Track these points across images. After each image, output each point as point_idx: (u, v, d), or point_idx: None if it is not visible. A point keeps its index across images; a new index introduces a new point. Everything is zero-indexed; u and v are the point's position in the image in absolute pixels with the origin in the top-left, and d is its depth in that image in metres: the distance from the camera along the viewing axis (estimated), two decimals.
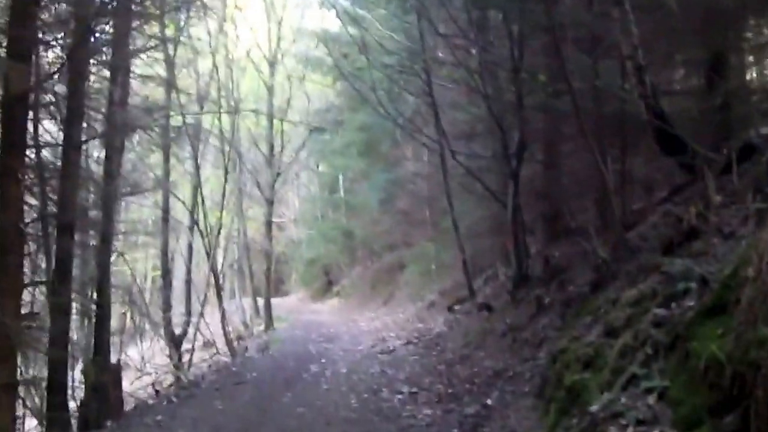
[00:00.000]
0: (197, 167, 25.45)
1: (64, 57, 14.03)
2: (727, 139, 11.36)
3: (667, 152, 11.76)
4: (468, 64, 18.19)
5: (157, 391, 17.75)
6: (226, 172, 26.59)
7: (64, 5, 14.05)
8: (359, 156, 37.02)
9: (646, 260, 9.21)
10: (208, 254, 24.57)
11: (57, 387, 13.26)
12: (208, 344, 25.37)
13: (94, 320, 16.93)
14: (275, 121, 33.32)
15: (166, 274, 26.12)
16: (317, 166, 49.70)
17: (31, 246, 13.05)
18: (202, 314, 25.13)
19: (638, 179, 14.92)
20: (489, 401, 10.37)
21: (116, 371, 15.39)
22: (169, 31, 22.78)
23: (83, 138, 14.94)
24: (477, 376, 12.28)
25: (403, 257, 34.50)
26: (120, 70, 17.46)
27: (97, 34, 15.94)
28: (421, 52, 20.45)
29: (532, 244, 18.33)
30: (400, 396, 12.27)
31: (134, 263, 38.79)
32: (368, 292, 38.16)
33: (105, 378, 14.67)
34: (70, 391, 14.25)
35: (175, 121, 25.12)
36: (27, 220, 12.36)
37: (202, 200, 24.76)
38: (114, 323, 27.96)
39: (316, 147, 41.79)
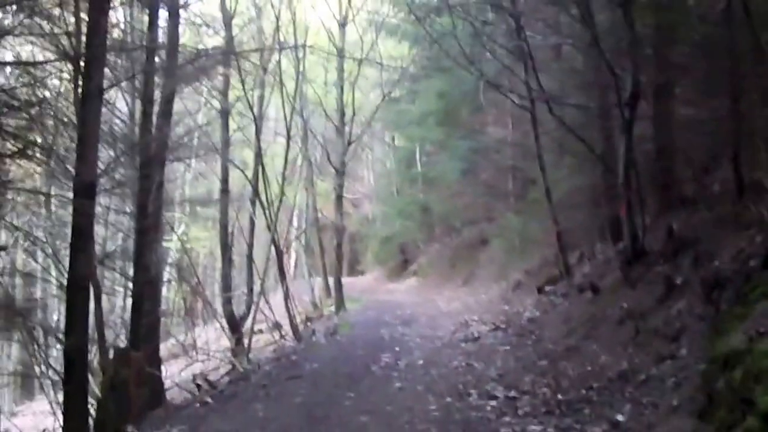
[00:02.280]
0: (258, 132, 23.07)
1: None
2: None
3: None
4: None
5: (198, 386, 15.34)
6: (289, 138, 24.11)
7: None
8: (437, 126, 34.49)
9: None
10: (269, 228, 22.19)
11: (76, 382, 10.82)
12: (276, 326, 23.02)
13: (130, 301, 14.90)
14: (346, 88, 30.80)
15: (226, 249, 24.06)
16: (392, 140, 48.22)
17: None
18: (262, 293, 22.74)
19: None
20: (620, 417, 7.69)
21: (139, 364, 12.74)
22: None
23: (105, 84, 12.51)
24: (594, 378, 9.56)
25: (484, 233, 32.46)
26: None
27: None
28: None
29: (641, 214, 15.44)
30: (493, 402, 9.61)
31: (195, 240, 38.01)
32: (447, 270, 35.75)
33: (125, 372, 12.16)
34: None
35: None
36: None
37: (263, 169, 22.35)
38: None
39: (390, 117, 40.21)
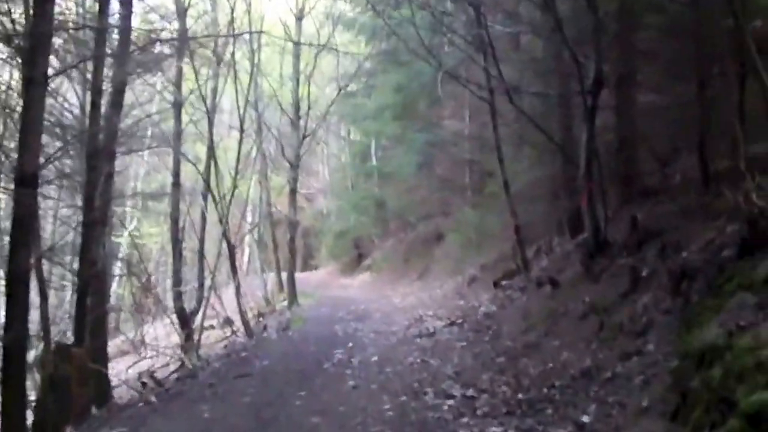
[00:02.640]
0: (211, 124, 22.52)
1: None
2: None
3: None
4: None
5: (143, 384, 14.69)
6: (242, 131, 23.50)
7: None
8: (394, 120, 33.98)
9: None
10: (221, 223, 21.60)
11: (13, 379, 10.16)
12: (227, 322, 22.70)
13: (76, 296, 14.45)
14: (302, 81, 30.61)
15: (176, 244, 23.38)
16: (348, 134, 48.13)
17: None
18: (213, 288, 22.19)
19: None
20: (585, 418, 7.23)
21: (81, 360, 12.03)
22: None
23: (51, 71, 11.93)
24: (556, 376, 9.06)
25: (440, 227, 32.28)
26: None
27: None
28: None
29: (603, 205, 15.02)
30: (451, 402, 9.11)
31: (148, 235, 37.37)
32: (401, 265, 35.36)
33: (66, 369, 11.45)
34: None
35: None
36: None
37: (215, 163, 21.81)
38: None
39: (346, 111, 39.73)
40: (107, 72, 15.39)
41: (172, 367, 17.92)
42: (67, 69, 14.44)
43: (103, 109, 15.19)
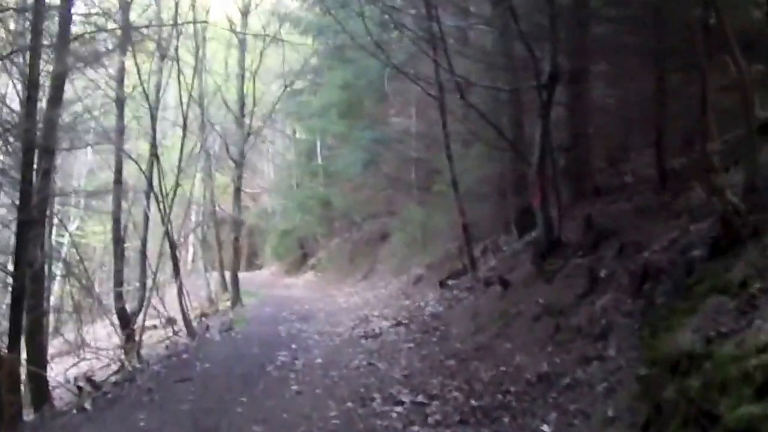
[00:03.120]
0: (153, 119, 21.84)
1: None
2: None
3: None
4: None
5: (79, 388, 14.02)
6: (185, 127, 22.85)
7: None
8: (340, 118, 33.85)
9: None
10: (163, 221, 20.96)
11: None
12: (169, 322, 22.09)
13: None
14: (246, 79, 30.09)
15: (118, 243, 22.57)
16: (294, 133, 47.20)
17: None
18: (154, 288, 21.62)
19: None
20: (545, 427, 6.79)
21: (11, 366, 11.27)
22: None
23: None
24: (510, 381, 8.62)
25: (385, 227, 32.02)
26: None
27: None
28: None
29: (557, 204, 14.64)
30: (399, 408, 8.62)
31: (92, 234, 36.51)
32: (346, 265, 35.11)
33: None
34: None
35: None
36: None
37: (158, 160, 21.18)
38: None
39: (291, 109, 39.31)
40: (45, 66, 14.67)
41: (113, 368, 17.38)
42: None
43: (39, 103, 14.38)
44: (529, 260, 13.69)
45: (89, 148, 25.15)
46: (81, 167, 35.68)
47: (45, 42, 14.44)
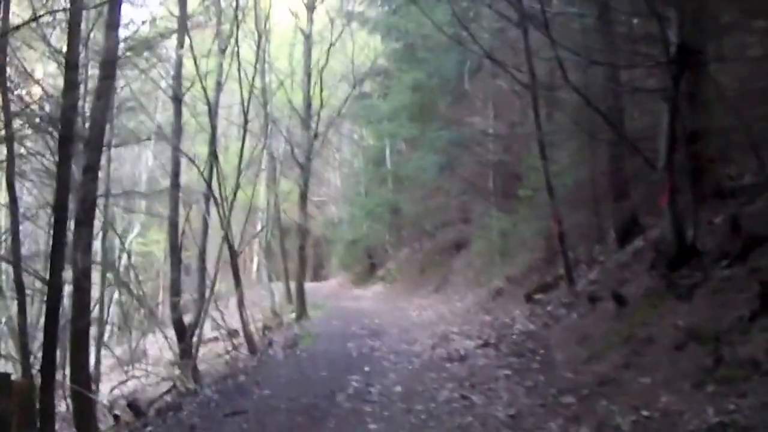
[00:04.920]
0: (213, 116, 20.46)
1: None
2: None
3: None
4: None
5: (116, 417, 12.26)
6: (246, 123, 21.18)
7: None
8: (410, 121, 32.62)
9: None
10: (222, 226, 19.42)
11: None
12: (231, 334, 20.46)
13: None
14: (312, 78, 28.52)
15: (175, 249, 21.02)
16: (361, 138, 46.51)
17: None
18: (211, 298, 20.04)
19: None
20: None
21: (23, 393, 9.44)
22: None
23: None
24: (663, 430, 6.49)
25: (460, 235, 30.67)
26: None
27: None
28: None
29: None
30: None
31: (155, 242, 35.41)
32: (417, 276, 33.59)
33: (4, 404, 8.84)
34: None
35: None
36: None
37: (216, 159, 19.87)
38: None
39: (360, 113, 37.93)
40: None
41: (164, 387, 16.07)
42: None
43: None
44: (645, 272, 11.60)
45: (149, 150, 23.67)
46: (141, 169, 34.62)
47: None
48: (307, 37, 29.37)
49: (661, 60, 10.77)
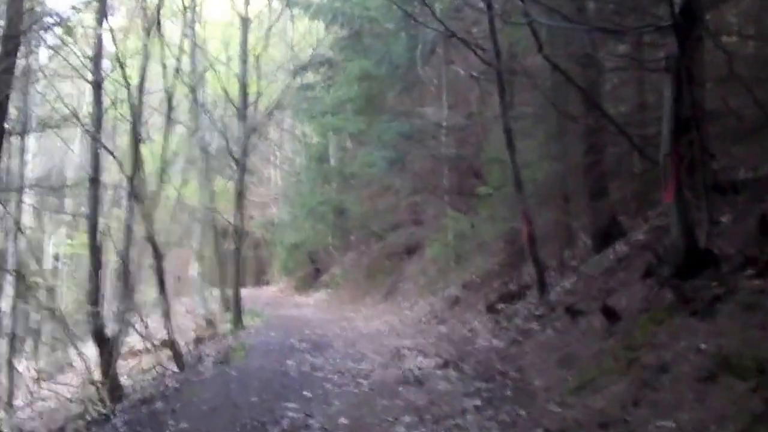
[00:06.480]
0: (134, 101, 18.46)
1: None
2: None
3: None
4: None
5: None
6: (170, 109, 19.15)
7: None
8: (357, 114, 31.09)
9: None
10: (145, 226, 17.62)
11: None
12: (156, 347, 18.94)
13: None
14: (250, 65, 27.30)
15: (95, 253, 18.92)
16: (303, 134, 44.44)
17: None
18: (136, 308, 18.65)
19: None
20: None
21: None
22: None
23: None
24: None
25: (411, 239, 29.00)
26: None
27: None
28: None
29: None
30: None
31: (80, 245, 33.28)
32: (364, 283, 32.11)
33: None
34: None
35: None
36: None
37: (137, 150, 17.90)
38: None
39: (301, 107, 36.08)
40: None
41: (74, 410, 14.89)
42: None
43: None
44: (638, 281, 9.77)
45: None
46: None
47: None
48: (244, 20, 27.80)
49: (663, 24, 8.87)
